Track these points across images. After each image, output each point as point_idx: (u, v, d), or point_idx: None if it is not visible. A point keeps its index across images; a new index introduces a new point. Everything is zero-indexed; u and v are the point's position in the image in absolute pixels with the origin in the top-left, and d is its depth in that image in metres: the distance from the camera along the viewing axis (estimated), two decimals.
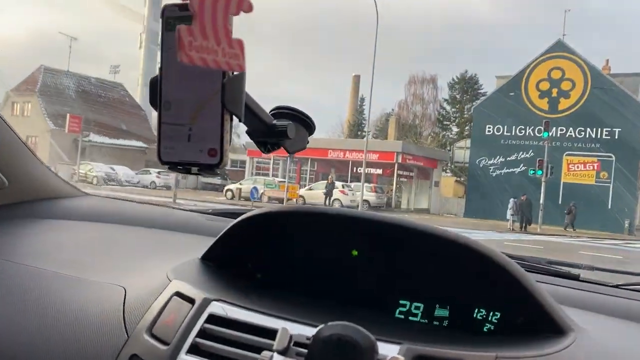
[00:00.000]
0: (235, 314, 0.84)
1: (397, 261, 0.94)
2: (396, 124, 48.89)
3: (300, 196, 29.54)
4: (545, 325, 0.85)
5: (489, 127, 33.14)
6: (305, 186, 32.44)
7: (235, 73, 0.69)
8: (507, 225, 25.53)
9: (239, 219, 1.00)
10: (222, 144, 0.70)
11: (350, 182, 32.22)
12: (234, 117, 0.72)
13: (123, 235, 1.41)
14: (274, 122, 0.81)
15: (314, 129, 0.88)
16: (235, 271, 1.02)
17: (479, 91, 54.02)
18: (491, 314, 0.89)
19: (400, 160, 32.57)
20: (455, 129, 56.88)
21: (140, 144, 44.06)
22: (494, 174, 32.55)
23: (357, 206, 29.23)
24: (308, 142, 0.89)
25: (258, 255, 1.02)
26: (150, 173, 40.08)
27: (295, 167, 41.21)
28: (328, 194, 26.48)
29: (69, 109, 41.49)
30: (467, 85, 56.23)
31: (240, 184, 31.98)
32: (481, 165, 33.11)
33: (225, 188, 33.05)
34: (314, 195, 28.06)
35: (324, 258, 0.97)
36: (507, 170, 32.22)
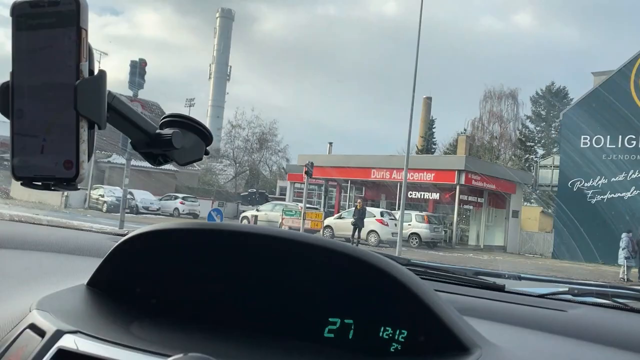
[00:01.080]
0: (89, 347, 0.77)
1: (295, 279, 0.88)
2: (466, 144, 40.82)
3: (327, 226, 22.79)
4: (448, 343, 0.82)
5: (585, 139, 25.02)
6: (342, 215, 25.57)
7: (90, 75, 0.65)
8: (619, 272, 17.30)
9: (123, 239, 0.93)
10: (78, 155, 0.64)
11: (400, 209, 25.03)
12: (95, 124, 0.66)
13: (8, 260, 1.33)
14: (158, 131, 0.76)
15: (211, 139, 0.82)
16: (127, 297, 0.93)
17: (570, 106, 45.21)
18: (397, 332, 0.84)
19: (463, 181, 25.04)
20: (540, 151, 48.13)
21: (170, 166, 39.23)
22: (594, 200, 24.31)
23: (405, 241, 21.97)
24: (208, 153, 0.82)
25: (151, 278, 0.93)
26: (174, 199, 35.11)
27: (332, 193, 34.61)
28: (357, 223, 19.57)
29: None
30: (554, 99, 47.34)
31: (258, 210, 25.85)
32: (575, 189, 24.96)
33: (241, 215, 27.04)
34: (344, 225, 21.27)
35: (220, 277, 0.91)
36: (613, 194, 23.88)
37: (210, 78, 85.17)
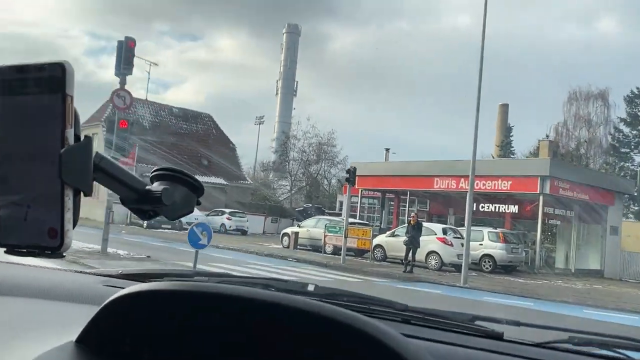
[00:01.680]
0: None
1: (281, 349, 0.85)
2: (549, 150, 35.40)
3: (378, 246, 19.00)
4: None
5: None
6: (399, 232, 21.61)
7: (76, 141, 0.64)
8: None
9: (107, 301, 0.90)
10: (63, 224, 0.63)
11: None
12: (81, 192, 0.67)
13: None
14: (148, 187, 0.75)
15: (202, 191, 0.80)
16: (118, 356, 0.91)
17: None
18: None
19: (548, 190, 20.39)
20: (638, 158, 41.71)
21: (221, 180, 37.19)
22: None
23: (475, 264, 17.70)
24: (199, 204, 0.81)
25: (142, 338, 0.91)
26: (221, 214, 32.55)
27: (392, 206, 30.54)
28: (411, 243, 15.68)
29: (141, 142, 36.18)
30: None
31: (299, 225, 22.43)
32: None
33: (282, 232, 23.74)
34: (398, 244, 17.42)
35: (206, 341, 0.88)
36: None
37: (277, 94, 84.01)
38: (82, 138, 0.64)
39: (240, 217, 32.63)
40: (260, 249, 19.65)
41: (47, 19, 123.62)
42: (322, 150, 43.58)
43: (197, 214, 33.03)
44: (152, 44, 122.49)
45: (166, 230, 28.55)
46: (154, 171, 0.78)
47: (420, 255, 16.59)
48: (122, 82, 11.95)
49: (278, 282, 1.54)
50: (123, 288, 0.98)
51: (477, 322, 1.26)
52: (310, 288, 1.43)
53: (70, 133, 0.62)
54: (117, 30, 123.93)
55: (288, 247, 21.55)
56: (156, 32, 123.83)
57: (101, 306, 0.89)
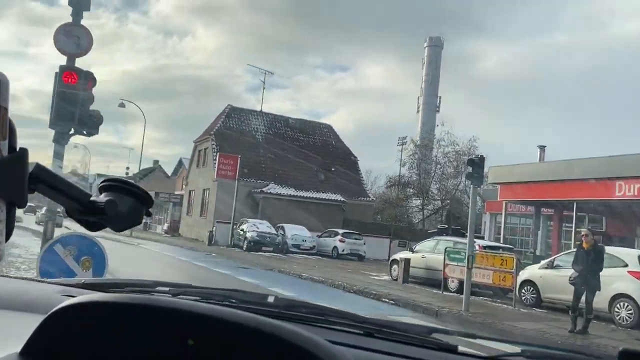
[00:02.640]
0: None
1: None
2: None
3: (527, 282, 12.42)
4: None
5: None
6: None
7: (11, 152, 0.64)
8: None
9: (50, 312, 0.89)
10: None
11: None
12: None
13: None
14: (92, 198, 0.75)
15: (151, 202, 0.81)
16: None
17: None
18: None
19: None
20: None
21: (338, 197, 32.36)
22: None
23: None
24: (150, 215, 0.82)
25: (85, 350, 0.89)
26: (334, 235, 27.59)
27: (550, 225, 22.75)
28: (583, 279, 9.05)
29: (253, 154, 32.91)
30: None
31: (412, 250, 16.39)
32: None
33: (391, 258, 17.83)
34: (559, 281, 10.82)
35: (146, 352, 0.89)
36: None
37: (418, 111, 78.22)
38: (17, 149, 0.62)
39: (356, 239, 27.29)
40: (352, 282, 14.09)
41: (214, 61, 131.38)
42: (460, 161, 36.69)
43: (306, 235, 28.49)
44: (306, 78, 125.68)
45: (265, 254, 24.34)
46: (102, 182, 0.77)
47: (601, 300, 9.80)
48: (76, 15, 7.49)
49: (239, 293, 1.51)
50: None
51: (434, 335, 1.28)
52: (270, 300, 1.43)
53: (4, 145, 0.61)
54: (277, 66, 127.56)
55: (396, 279, 15.68)
56: (309, 66, 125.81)
57: (44, 317, 0.87)
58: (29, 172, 0.64)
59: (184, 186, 38.40)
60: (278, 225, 27.90)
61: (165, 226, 41.43)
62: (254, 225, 26.60)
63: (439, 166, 37.33)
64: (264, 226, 26.77)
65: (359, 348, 1.16)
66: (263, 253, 24.61)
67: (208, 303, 1.08)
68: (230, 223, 27.85)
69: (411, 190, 38.57)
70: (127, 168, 72.55)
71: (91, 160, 71.22)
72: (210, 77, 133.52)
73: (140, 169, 49.63)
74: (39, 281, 1.62)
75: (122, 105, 35.85)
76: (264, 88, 36.38)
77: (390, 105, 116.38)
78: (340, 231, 27.59)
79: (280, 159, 33.45)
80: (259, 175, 31.94)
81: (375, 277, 16.61)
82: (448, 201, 38.30)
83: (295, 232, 27.27)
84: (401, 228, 33.88)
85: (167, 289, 1.43)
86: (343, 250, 26.58)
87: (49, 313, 0.88)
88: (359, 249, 27.07)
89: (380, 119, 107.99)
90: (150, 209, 0.81)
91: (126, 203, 0.76)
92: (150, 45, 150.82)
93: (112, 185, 0.77)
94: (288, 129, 36.05)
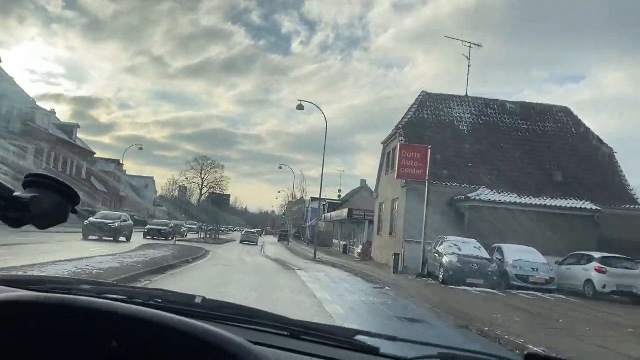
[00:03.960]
0: None
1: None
2: None
3: None
4: None
5: None
6: None
7: None
8: None
9: None
10: None
11: None
12: None
13: None
14: (16, 194, 0.73)
15: (77, 199, 0.80)
16: None
17: None
18: None
19: None
20: None
21: (587, 205, 21.55)
22: None
23: None
24: (76, 212, 0.80)
25: (7, 348, 0.88)
26: (586, 262, 17.35)
27: None
28: None
29: (455, 151, 24.35)
30: None
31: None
32: None
33: None
34: None
35: (70, 353, 0.88)
36: None
37: None
38: None
39: (627, 267, 16.69)
40: None
41: (433, 87, 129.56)
42: None
43: (538, 261, 18.74)
44: (532, 92, 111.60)
45: (471, 289, 15.64)
46: (26, 177, 0.74)
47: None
48: None
49: (165, 293, 1.47)
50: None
51: (357, 337, 1.30)
52: (198, 301, 1.42)
53: None
54: (499, 86, 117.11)
55: None
56: (537, 80, 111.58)
57: None
58: None
59: (375, 199, 31.57)
60: (493, 246, 18.97)
61: (360, 249, 35.08)
62: (455, 245, 18.08)
63: None
64: (470, 247, 18.05)
65: (284, 349, 1.17)
66: (468, 288, 15.98)
67: (133, 303, 1.04)
68: (421, 243, 19.78)
69: None
70: (339, 191, 69.82)
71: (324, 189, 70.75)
72: None
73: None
74: None
75: (300, 107, 30.93)
76: (469, 69, 27.63)
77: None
78: (597, 255, 17.31)
79: (494, 156, 24.29)
80: (463, 177, 23.28)
81: None
82: None
83: (519, 256, 17.89)
84: None
85: (89, 287, 1.37)
86: (604, 287, 16.35)
87: None
88: (633, 284, 16.43)
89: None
90: (77, 207, 0.77)
91: (51, 200, 0.72)
92: (372, 80, 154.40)
93: (36, 181, 0.73)
94: (505, 116, 26.58)
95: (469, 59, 27.50)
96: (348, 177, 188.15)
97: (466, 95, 27.30)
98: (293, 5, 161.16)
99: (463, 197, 21.98)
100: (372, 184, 57.38)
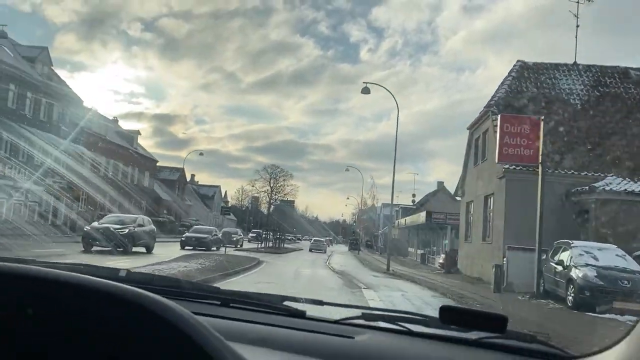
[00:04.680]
0: None
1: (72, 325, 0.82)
2: None
3: None
4: None
5: None
6: None
7: None
8: None
9: None
10: None
11: None
12: None
13: None
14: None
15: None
16: None
17: None
18: None
19: None
20: None
21: None
22: None
23: None
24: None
25: None
26: None
27: None
28: None
29: (567, 131, 18.85)
30: None
31: None
32: None
33: None
34: None
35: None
36: None
37: None
38: None
39: None
40: None
41: None
42: None
43: None
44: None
45: (619, 317, 10.45)
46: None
47: None
48: None
49: (88, 267, 1.46)
50: None
51: (285, 303, 1.38)
52: (122, 274, 1.42)
53: None
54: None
55: None
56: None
57: None
58: None
59: (459, 198, 26.30)
60: (635, 253, 13.52)
61: (442, 258, 29.80)
62: (588, 253, 12.76)
63: None
64: (611, 256, 12.68)
65: (215, 317, 1.21)
66: (618, 317, 10.69)
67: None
68: (534, 250, 14.50)
69: None
70: (413, 195, 64.15)
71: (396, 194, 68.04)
72: None
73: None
74: None
75: (366, 90, 26.30)
76: (577, 25, 21.96)
77: None
78: None
79: (620, 134, 18.54)
80: (582, 163, 17.73)
81: None
82: None
83: None
84: None
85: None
86: None
87: None
88: None
89: None
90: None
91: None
92: (442, 84, 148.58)
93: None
94: (630, 85, 20.67)
95: (577, 17, 21.83)
96: (421, 183, 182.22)
97: (575, 62, 21.63)
98: (360, 14, 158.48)
99: (585, 188, 16.45)
100: (449, 186, 52.68)
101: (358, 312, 1.36)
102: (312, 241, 53.47)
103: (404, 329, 1.33)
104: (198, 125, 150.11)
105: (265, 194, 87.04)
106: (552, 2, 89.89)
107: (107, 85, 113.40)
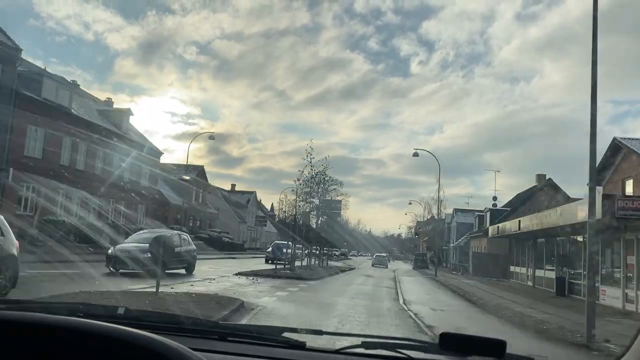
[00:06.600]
0: None
1: None
2: None
3: None
4: None
5: None
6: None
7: None
8: None
9: None
10: None
11: None
12: None
13: None
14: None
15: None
16: None
17: None
18: None
19: None
20: None
21: None
22: None
23: None
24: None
25: None
26: None
27: None
28: None
29: None
30: None
31: None
32: None
33: None
34: None
35: None
36: None
37: None
38: None
39: None
40: None
41: (566, 97, 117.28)
42: None
43: None
44: None
45: None
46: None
47: None
48: None
49: (87, 306, 1.43)
50: None
51: (284, 334, 1.35)
52: (120, 312, 1.39)
53: None
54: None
55: None
56: None
57: None
58: None
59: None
60: None
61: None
62: None
63: None
64: None
65: (214, 352, 1.19)
66: None
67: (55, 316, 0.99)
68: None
69: None
70: (494, 198, 49.12)
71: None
72: (562, 114, 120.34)
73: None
74: None
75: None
76: None
77: None
78: None
79: None
80: None
81: None
82: None
83: None
84: None
85: (3, 306, 1.29)
86: None
87: None
88: None
89: None
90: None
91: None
92: (497, 95, 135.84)
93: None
94: None
95: None
96: (477, 197, 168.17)
97: None
98: (410, 28, 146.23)
99: None
100: (502, 200, 39.61)
101: (358, 340, 1.35)
102: (374, 257, 56.02)
103: (404, 356, 1.33)
104: (251, 143, 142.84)
105: (307, 203, 74.05)
106: (612, 6, 76.80)
107: (165, 107, 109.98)
